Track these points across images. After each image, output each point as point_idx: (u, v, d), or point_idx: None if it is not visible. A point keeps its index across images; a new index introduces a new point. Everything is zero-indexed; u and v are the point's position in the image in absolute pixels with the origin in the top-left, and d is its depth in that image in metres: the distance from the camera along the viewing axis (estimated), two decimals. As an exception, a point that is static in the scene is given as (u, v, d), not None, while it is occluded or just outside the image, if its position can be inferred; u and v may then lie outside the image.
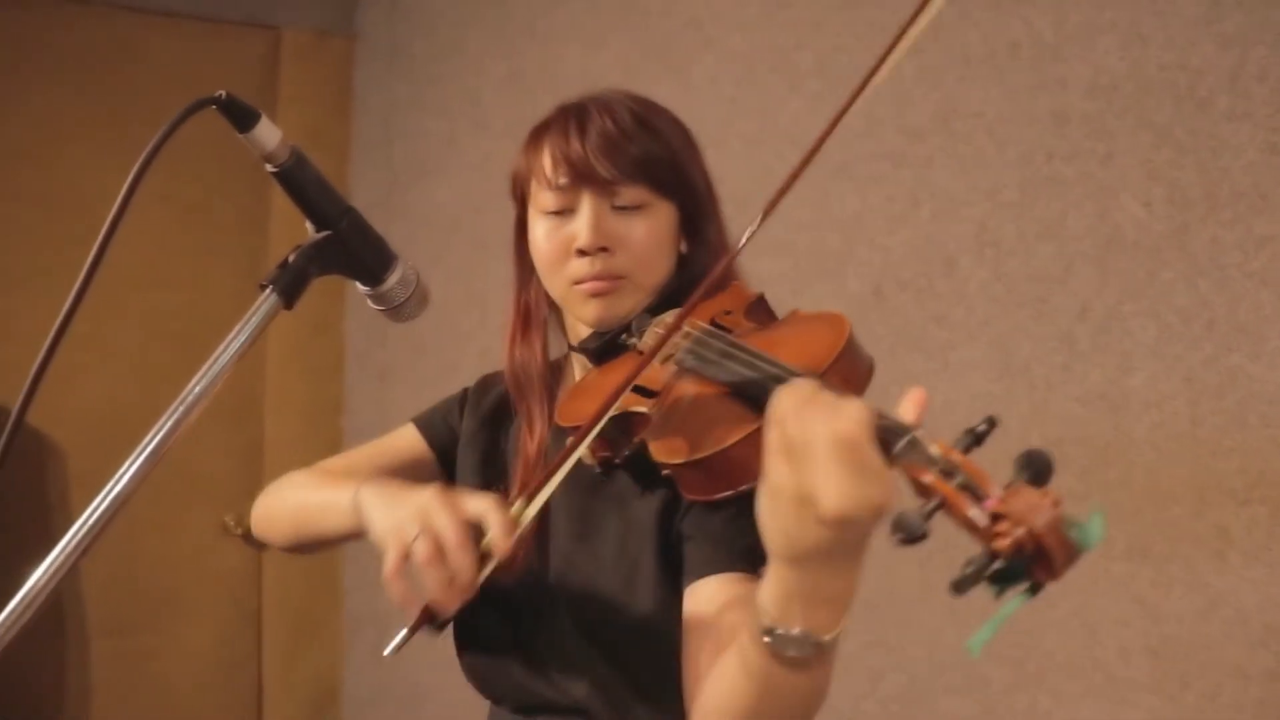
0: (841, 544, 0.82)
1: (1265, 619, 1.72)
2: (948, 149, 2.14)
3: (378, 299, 1.10)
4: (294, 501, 1.33)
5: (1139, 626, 1.86)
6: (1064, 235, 1.98)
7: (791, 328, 1.10)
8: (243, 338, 1.01)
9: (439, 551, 0.98)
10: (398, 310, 1.10)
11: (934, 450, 0.79)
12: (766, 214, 1.19)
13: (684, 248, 1.30)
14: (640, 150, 1.20)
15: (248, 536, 3.46)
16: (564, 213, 1.23)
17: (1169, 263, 1.85)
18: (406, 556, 1.00)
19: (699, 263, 1.27)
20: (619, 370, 1.16)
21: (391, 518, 1.06)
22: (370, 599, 3.45)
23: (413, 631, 1.01)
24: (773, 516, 0.82)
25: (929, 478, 0.78)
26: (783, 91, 2.42)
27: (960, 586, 0.74)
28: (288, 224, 3.47)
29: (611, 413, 1.06)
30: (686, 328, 1.11)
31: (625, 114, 1.22)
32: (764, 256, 2.40)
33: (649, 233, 1.22)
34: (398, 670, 3.24)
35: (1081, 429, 1.94)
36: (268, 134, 1.02)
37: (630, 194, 1.21)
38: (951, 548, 2.08)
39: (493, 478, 1.35)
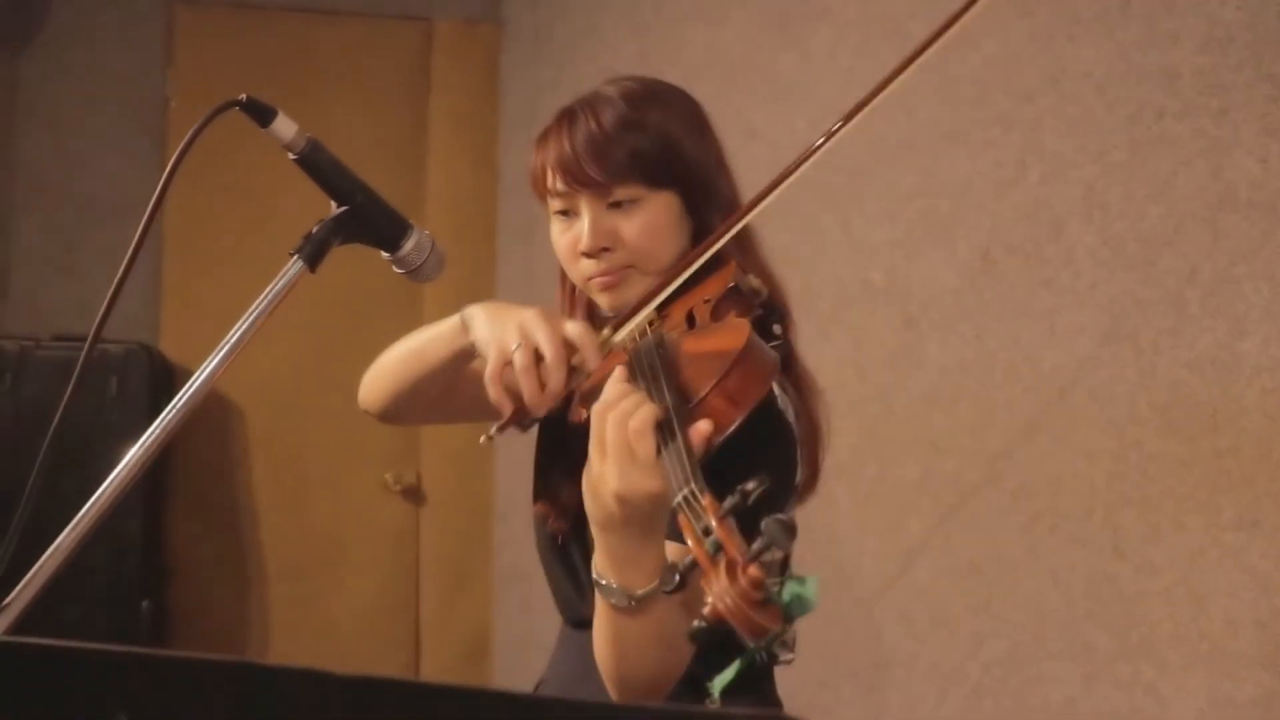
0: (630, 519, 0.95)
1: (1382, 594, 1.57)
2: (1056, 110, 2.01)
3: (398, 263, 1.18)
4: (400, 350, 1.39)
5: (1248, 598, 1.72)
6: (1174, 195, 1.83)
7: (709, 337, 1.10)
8: (271, 295, 1.11)
9: (536, 361, 1.09)
10: (416, 272, 1.19)
11: (701, 510, 0.83)
12: (744, 214, 1.23)
13: (696, 222, 1.29)
14: (626, 149, 1.22)
15: (406, 493, 3.56)
16: (569, 213, 1.27)
17: (1285, 221, 1.69)
18: (508, 363, 1.10)
19: (707, 238, 1.25)
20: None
21: (498, 328, 1.15)
22: (518, 556, 3.50)
23: (503, 427, 1.13)
24: (587, 492, 0.97)
25: (690, 538, 0.82)
26: (894, 59, 2.31)
27: (695, 641, 0.77)
28: (441, 209, 3.54)
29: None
30: (645, 326, 1.18)
31: (611, 115, 1.23)
32: (873, 224, 2.31)
33: (646, 225, 1.24)
34: (544, 620, 3.28)
35: (1190, 395, 1.80)
36: (285, 127, 1.12)
37: (623, 191, 1.23)
38: (1058, 515, 1.96)
39: (546, 461, 1.38)
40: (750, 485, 0.82)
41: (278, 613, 3.49)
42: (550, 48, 3.41)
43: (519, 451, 3.44)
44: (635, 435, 0.92)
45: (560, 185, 1.24)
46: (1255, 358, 1.72)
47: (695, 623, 0.77)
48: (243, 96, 1.10)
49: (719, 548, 0.79)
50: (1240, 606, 1.72)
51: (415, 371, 1.36)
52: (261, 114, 1.10)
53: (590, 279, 1.26)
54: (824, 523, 2.34)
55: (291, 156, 1.13)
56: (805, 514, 2.09)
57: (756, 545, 0.76)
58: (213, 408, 3.42)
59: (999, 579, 2.07)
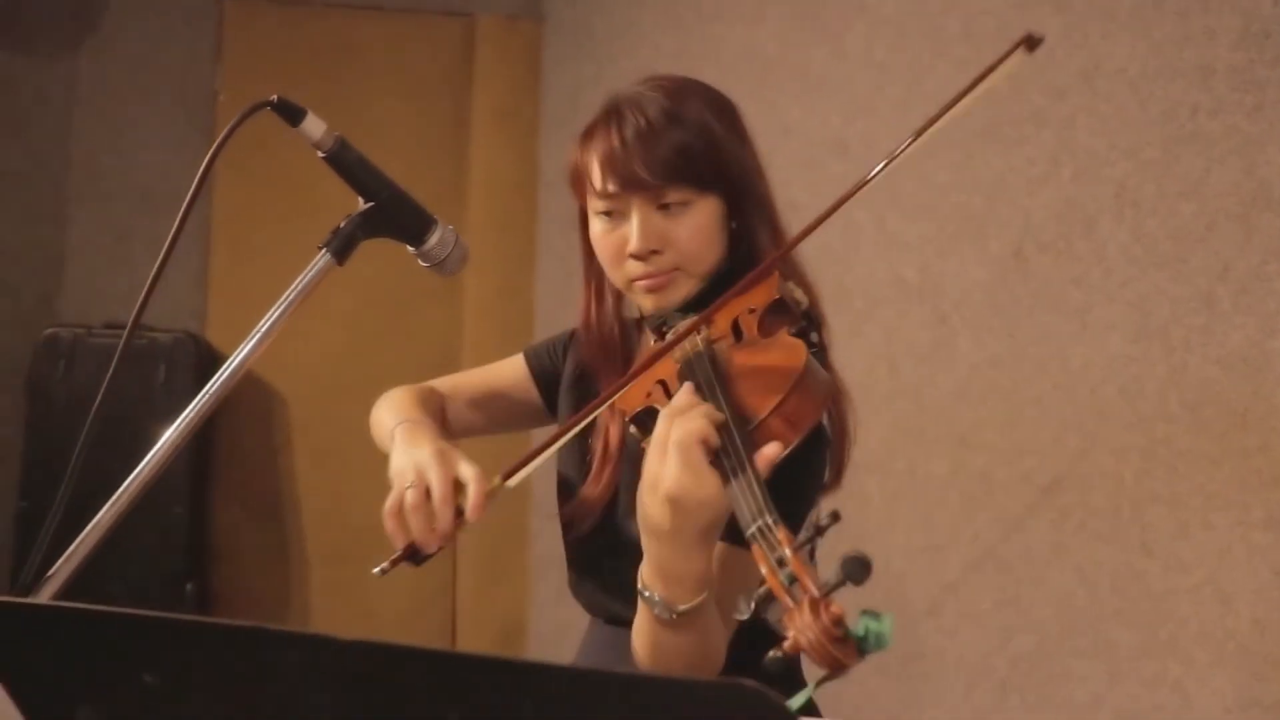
0: (681, 527, 0.96)
1: None
2: (1089, 108, 2.00)
3: (423, 256, 1.21)
4: (376, 417, 1.41)
5: (1276, 598, 1.71)
6: (1206, 193, 1.82)
7: (763, 354, 1.09)
8: (301, 287, 1.14)
9: (425, 501, 1.10)
10: (441, 265, 1.21)
11: (776, 542, 0.85)
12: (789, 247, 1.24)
13: (734, 226, 1.28)
14: (673, 145, 1.20)
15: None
16: (614, 214, 1.25)
17: (1318, 220, 1.67)
18: (401, 501, 1.12)
19: (748, 240, 1.27)
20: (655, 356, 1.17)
21: (400, 461, 1.17)
22: (554, 545, 3.53)
23: (394, 563, 1.12)
24: (643, 494, 0.99)
25: (765, 568, 0.84)
26: (930, 57, 2.31)
27: (768, 672, 0.78)
28: (482, 202, 3.58)
29: (637, 407, 1.12)
30: (696, 333, 1.15)
31: (655, 109, 1.22)
32: (907, 220, 2.31)
33: (696, 229, 1.23)
34: (579, 609, 3.31)
35: (1220, 393, 1.79)
36: (314, 126, 1.15)
37: (674, 194, 1.22)
38: (1086, 511, 1.95)
39: (574, 462, 1.37)
40: (824, 520, 0.83)
41: (317, 598, 3.54)
42: (591, 44, 3.43)
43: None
44: (697, 440, 0.94)
45: (612, 187, 1.22)
46: (1286, 356, 1.70)
47: (773, 653, 0.78)
48: (274, 97, 1.13)
49: (794, 580, 0.81)
50: (1268, 606, 1.71)
51: (383, 447, 1.37)
52: (291, 114, 1.14)
53: (636, 280, 1.25)
54: (854, 517, 2.33)
55: (320, 155, 1.17)
56: (835, 508, 2.10)
57: (833, 580, 0.78)
58: (256, 396, 3.47)
59: (1027, 574, 2.06)
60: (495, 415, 1.47)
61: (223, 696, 0.57)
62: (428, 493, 1.10)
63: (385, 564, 1.11)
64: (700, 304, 1.22)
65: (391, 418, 1.31)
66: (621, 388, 1.13)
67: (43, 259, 3.40)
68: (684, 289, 1.24)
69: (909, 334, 2.28)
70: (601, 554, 1.31)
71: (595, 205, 1.26)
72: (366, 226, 1.16)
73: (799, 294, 1.19)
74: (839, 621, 0.76)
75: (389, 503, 1.12)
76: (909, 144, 1.19)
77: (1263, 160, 1.75)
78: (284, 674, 0.56)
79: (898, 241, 2.33)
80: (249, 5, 3.50)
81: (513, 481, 1.13)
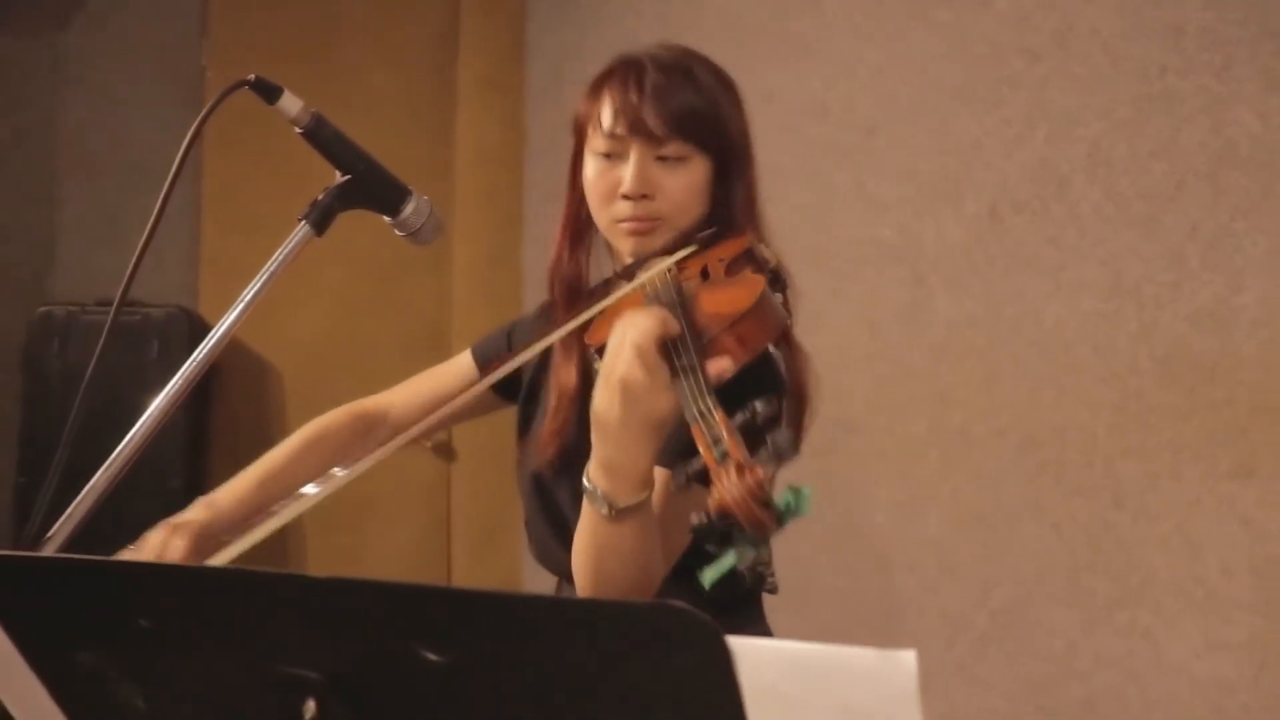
0: (628, 419, 1.01)
1: (1372, 540, 1.59)
2: (1063, 69, 2.02)
3: (398, 226, 1.24)
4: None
5: (1243, 545, 1.75)
6: (1176, 152, 1.85)
7: (725, 288, 1.16)
8: (281, 257, 1.18)
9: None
10: (416, 235, 1.24)
11: (714, 421, 0.91)
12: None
13: (721, 192, 1.33)
14: (686, 106, 1.26)
15: (438, 450, 3.63)
16: (613, 156, 1.30)
17: (1283, 176, 1.70)
18: None
19: (726, 208, 1.31)
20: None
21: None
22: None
23: None
24: (598, 383, 1.03)
25: (701, 446, 0.90)
26: (908, 20, 2.32)
27: (696, 534, 0.86)
28: (469, 169, 3.59)
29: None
30: (660, 272, 1.21)
31: (676, 71, 1.27)
32: (885, 182, 2.34)
33: (688, 183, 1.28)
34: (573, 572, 3.35)
35: (1189, 347, 1.83)
36: (290, 103, 1.19)
37: (674, 147, 1.27)
38: (1061, 466, 1.98)
39: (534, 403, 1.42)
40: (759, 404, 0.89)
41: (314, 565, 3.58)
42: (575, 12, 3.44)
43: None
44: (651, 336, 1.00)
45: (620, 130, 1.27)
46: (1253, 311, 1.74)
47: (697, 518, 0.85)
48: (251, 76, 1.15)
49: (726, 455, 0.86)
50: (1234, 553, 1.75)
51: None
52: (268, 92, 1.16)
53: (622, 220, 1.30)
54: (837, 474, 2.38)
55: (297, 130, 1.20)
56: (818, 466, 2.14)
57: (763, 451, 0.85)
58: (250, 369, 3.50)
59: (1004, 528, 2.11)
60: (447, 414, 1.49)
61: (216, 637, 0.60)
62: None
63: None
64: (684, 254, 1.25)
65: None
66: (592, 313, 1.18)
67: (34, 238, 3.41)
68: (662, 239, 1.29)
69: (887, 294, 2.31)
70: (554, 494, 1.34)
71: (596, 145, 1.31)
72: (343, 198, 1.19)
73: (768, 253, 1.23)
74: (761, 484, 0.83)
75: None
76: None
77: (1230, 119, 1.78)
78: (271, 614, 0.59)
79: (876, 203, 2.36)
80: (233, -21, 3.50)
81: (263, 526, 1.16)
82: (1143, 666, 1.89)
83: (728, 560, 0.84)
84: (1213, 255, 1.79)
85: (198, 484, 3.32)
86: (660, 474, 1.09)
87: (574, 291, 1.38)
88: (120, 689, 0.63)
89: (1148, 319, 1.88)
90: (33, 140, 3.42)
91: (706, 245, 1.24)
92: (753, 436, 0.88)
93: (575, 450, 1.31)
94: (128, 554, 1.22)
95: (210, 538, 1.29)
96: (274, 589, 0.59)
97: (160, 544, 1.26)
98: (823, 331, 2.38)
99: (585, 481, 1.06)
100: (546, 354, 1.40)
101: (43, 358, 3.08)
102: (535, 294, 3.70)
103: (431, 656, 0.55)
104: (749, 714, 0.56)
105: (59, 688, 0.64)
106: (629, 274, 1.29)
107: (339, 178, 1.21)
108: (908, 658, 0.59)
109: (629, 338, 1.01)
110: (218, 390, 3.41)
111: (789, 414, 1.28)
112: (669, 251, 1.26)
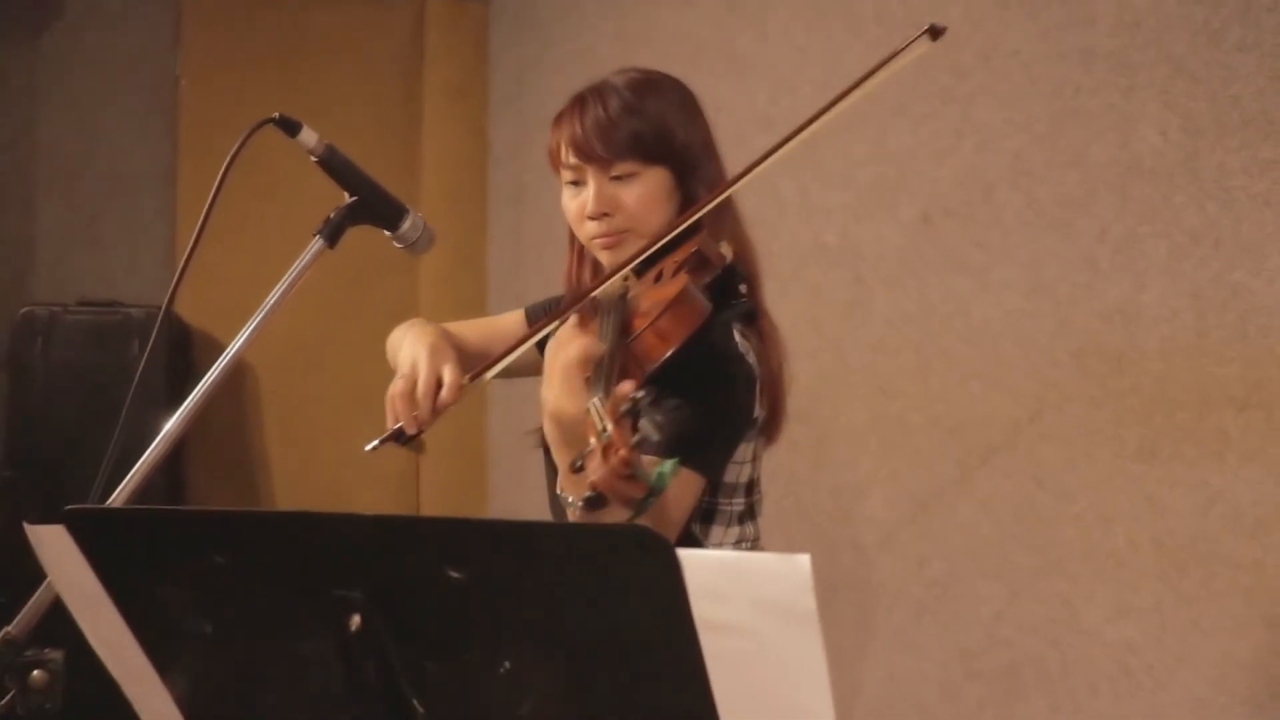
0: (565, 439, 1.14)
1: (1257, 513, 1.76)
2: (988, 86, 2.17)
3: (397, 239, 1.41)
4: (393, 336, 1.60)
5: (1146, 520, 1.91)
6: (1088, 163, 2.00)
7: (661, 289, 1.31)
8: (297, 270, 1.34)
9: (411, 391, 1.30)
10: (412, 246, 1.41)
11: (603, 415, 1.04)
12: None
13: (684, 194, 1.48)
14: (626, 131, 1.41)
15: (409, 445, 3.74)
16: (578, 183, 1.46)
17: (1181, 187, 1.86)
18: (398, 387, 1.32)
19: (692, 206, 1.44)
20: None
21: (403, 354, 1.37)
22: (511, 499, 3.70)
23: (383, 441, 1.33)
24: (542, 415, 1.17)
25: (592, 435, 1.04)
26: (846, 38, 2.48)
27: (587, 504, 1.02)
28: (435, 177, 3.71)
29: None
30: (617, 281, 1.38)
31: (615, 101, 1.43)
32: (827, 190, 2.49)
33: (640, 196, 1.43)
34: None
35: (1100, 341, 1.99)
36: (308, 136, 1.34)
37: (621, 167, 1.42)
38: (988, 449, 2.14)
39: None
40: (639, 395, 1.04)
41: (290, 555, 3.69)
42: (535, 25, 3.56)
43: (510, 404, 3.62)
44: (568, 365, 1.14)
45: (572, 159, 1.43)
46: (1155, 309, 1.90)
47: (586, 493, 1.01)
48: (275, 115, 1.31)
49: (610, 443, 1.01)
50: (1139, 527, 1.92)
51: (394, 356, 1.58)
52: (289, 127, 1.33)
53: (594, 238, 1.45)
54: (784, 462, 2.53)
55: (313, 159, 1.35)
56: (768, 455, 2.29)
57: (635, 437, 0.99)
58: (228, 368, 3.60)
59: (937, 508, 2.26)
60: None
61: (276, 568, 0.73)
62: (412, 384, 1.30)
63: (375, 441, 1.31)
64: (650, 259, 1.41)
65: (405, 327, 1.51)
66: (564, 312, 1.35)
67: (15, 240, 3.49)
68: (633, 247, 1.43)
69: (830, 294, 2.46)
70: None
71: (564, 175, 1.47)
72: (352, 216, 1.35)
73: (724, 248, 1.37)
74: (627, 463, 0.98)
75: (390, 388, 1.32)
76: (828, 107, 1.36)
77: (1134, 136, 1.94)
78: (322, 546, 0.73)
79: (819, 209, 2.51)
80: (206, -8, 3.59)
81: (483, 379, 1.34)
82: (1061, 631, 2.05)
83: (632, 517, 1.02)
84: (1120, 257, 1.95)
85: (178, 481, 3.42)
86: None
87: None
88: (193, 618, 0.75)
89: (1063, 316, 2.04)
90: (11, 147, 3.50)
91: (666, 251, 1.38)
92: (634, 423, 1.02)
93: None
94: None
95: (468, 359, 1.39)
96: (324, 526, 0.72)
97: (427, 360, 1.32)
98: (771, 328, 2.53)
99: (559, 490, 1.21)
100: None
101: (26, 356, 3.17)
102: (499, 294, 3.83)
103: (454, 574, 0.69)
104: (692, 604, 0.69)
105: (139, 622, 0.77)
106: (597, 278, 1.44)
107: (347, 198, 1.37)
108: (803, 558, 0.74)
109: (554, 368, 1.14)
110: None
111: (765, 397, 1.42)
112: (647, 260, 1.41)
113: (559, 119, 1.48)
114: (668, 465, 0.99)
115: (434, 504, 3.77)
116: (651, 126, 1.42)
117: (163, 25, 3.58)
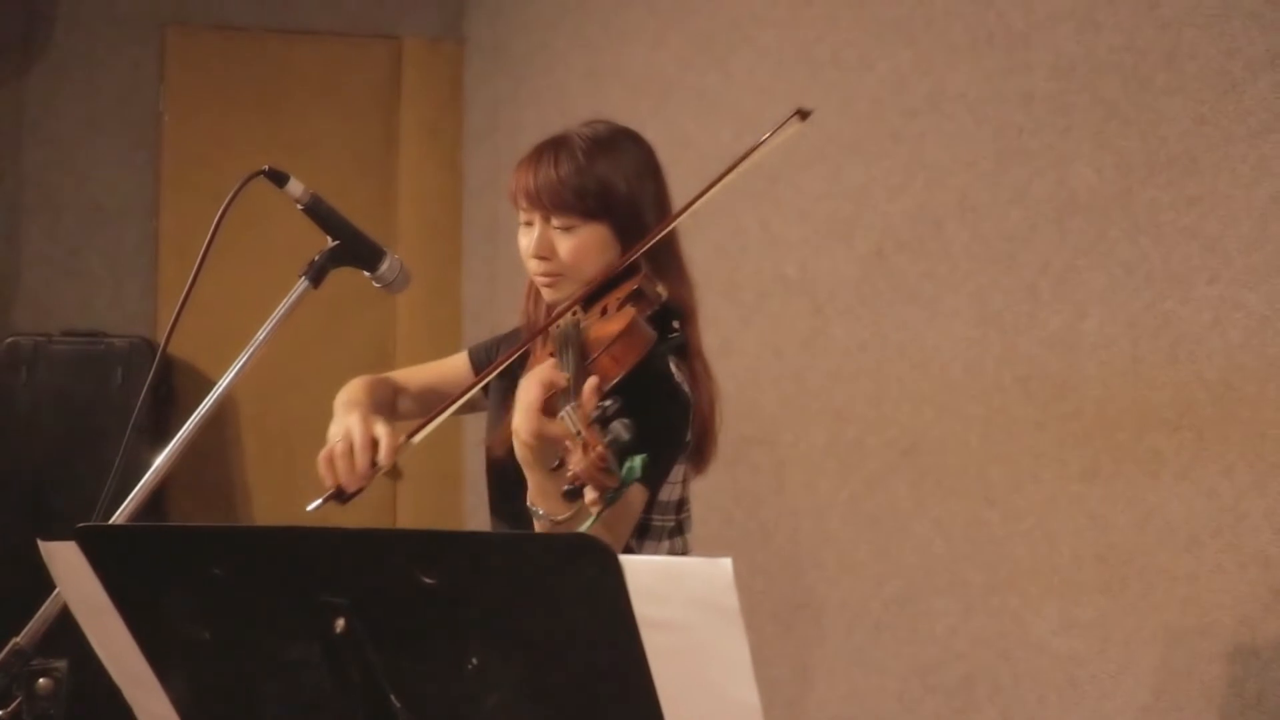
0: (536, 460, 1.24)
1: (1189, 529, 1.85)
2: (937, 126, 2.28)
3: (376, 279, 1.52)
4: (335, 400, 1.70)
5: (1089, 537, 2.00)
6: (1030, 200, 2.11)
7: (610, 322, 1.43)
8: (284, 309, 1.45)
9: (348, 451, 1.41)
10: (390, 286, 1.52)
11: (576, 421, 1.17)
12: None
13: (624, 245, 1.59)
14: (570, 190, 1.54)
15: (386, 472, 3.80)
16: (530, 224, 1.60)
17: (1115, 221, 1.96)
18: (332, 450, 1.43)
19: (633, 263, 1.56)
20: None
21: (334, 426, 1.49)
22: (486, 522, 3.76)
23: (325, 500, 1.41)
24: (514, 439, 1.27)
25: (567, 439, 1.17)
26: (805, 80, 2.58)
27: (565, 495, 1.13)
28: (411, 211, 3.79)
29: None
30: (572, 314, 1.52)
31: (567, 162, 1.55)
32: (787, 224, 2.59)
33: (575, 247, 1.56)
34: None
35: (1043, 367, 2.08)
36: (295, 187, 1.44)
37: (561, 219, 1.56)
38: (941, 471, 2.23)
39: (503, 404, 1.68)
40: (608, 403, 1.16)
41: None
42: (509, 63, 3.66)
43: (485, 432, 3.69)
44: (535, 395, 1.24)
45: (524, 204, 1.58)
46: (1094, 336, 2.00)
47: (565, 486, 1.12)
48: (265, 167, 1.42)
49: (586, 444, 1.14)
50: (1083, 544, 2.01)
51: None
52: (278, 179, 1.43)
53: (536, 275, 1.60)
54: (747, 483, 2.62)
55: (299, 207, 1.46)
56: (731, 476, 2.39)
57: (609, 436, 1.12)
58: (206, 395, 3.66)
59: (894, 528, 2.35)
60: (430, 405, 1.72)
61: (269, 578, 0.81)
62: (351, 446, 1.40)
63: (318, 500, 1.39)
64: (592, 297, 1.54)
65: (340, 399, 1.63)
66: (517, 352, 1.49)
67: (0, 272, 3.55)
68: (568, 288, 1.57)
69: (790, 323, 2.55)
70: (511, 484, 1.55)
71: (520, 217, 1.61)
72: (334, 259, 1.46)
73: (659, 288, 1.49)
74: (604, 458, 1.11)
75: (322, 453, 1.42)
76: (711, 186, 1.48)
77: (1072, 173, 2.04)
78: (309, 557, 0.82)
79: (780, 242, 2.61)
80: (190, 31, 3.68)
81: (416, 439, 1.42)
82: (1011, 645, 2.13)
83: (589, 522, 1.15)
84: (1061, 288, 2.05)
85: (160, 510, 3.47)
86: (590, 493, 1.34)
87: (534, 324, 1.67)
88: (192, 626, 0.83)
89: (1008, 343, 2.13)
90: (-2, 181, 3.56)
91: (608, 289, 1.52)
92: (605, 426, 1.14)
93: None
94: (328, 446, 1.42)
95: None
96: (310, 539, 0.81)
97: (360, 424, 1.42)
98: (733, 356, 2.62)
99: (530, 505, 1.31)
100: (513, 367, 1.66)
101: (11, 386, 3.22)
102: (474, 324, 3.92)
103: (426, 580, 0.77)
104: (633, 604, 0.77)
105: (142, 630, 0.85)
106: (549, 317, 1.59)
107: (330, 242, 1.47)
108: (725, 561, 0.79)
109: (522, 399, 1.24)
110: (176, 416, 3.56)
111: (696, 424, 1.52)
112: (582, 296, 1.55)
113: (520, 165, 1.61)
114: (637, 460, 1.11)
115: (412, 526, 3.83)
116: (596, 185, 1.54)
117: (147, 62, 3.66)
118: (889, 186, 2.37)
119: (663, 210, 1.63)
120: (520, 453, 1.27)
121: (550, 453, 1.23)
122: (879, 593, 2.38)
